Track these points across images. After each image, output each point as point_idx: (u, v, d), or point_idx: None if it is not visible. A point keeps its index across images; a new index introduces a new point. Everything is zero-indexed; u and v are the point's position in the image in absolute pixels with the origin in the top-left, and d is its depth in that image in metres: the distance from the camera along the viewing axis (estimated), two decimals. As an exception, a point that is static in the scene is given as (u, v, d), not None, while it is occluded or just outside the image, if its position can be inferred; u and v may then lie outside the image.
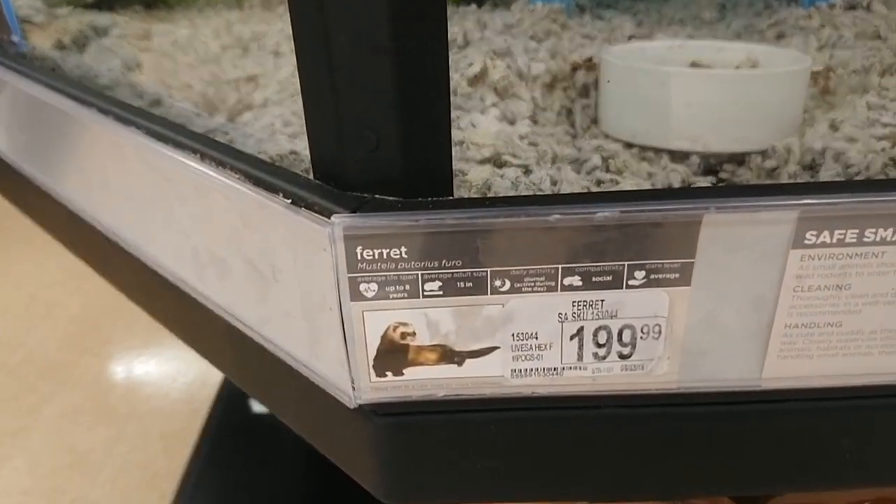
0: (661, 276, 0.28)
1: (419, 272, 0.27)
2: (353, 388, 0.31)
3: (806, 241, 0.27)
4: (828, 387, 0.31)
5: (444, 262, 0.27)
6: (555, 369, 0.30)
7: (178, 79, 0.66)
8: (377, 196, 0.29)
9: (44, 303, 2.03)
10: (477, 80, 0.58)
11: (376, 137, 0.28)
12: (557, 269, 0.27)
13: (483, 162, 0.48)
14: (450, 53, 0.70)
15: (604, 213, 0.26)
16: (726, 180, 0.53)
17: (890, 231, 0.26)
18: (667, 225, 0.27)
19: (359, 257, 0.27)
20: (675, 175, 0.52)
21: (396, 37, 0.26)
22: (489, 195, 0.41)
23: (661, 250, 0.27)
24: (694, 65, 0.65)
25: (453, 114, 0.55)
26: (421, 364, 0.30)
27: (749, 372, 0.30)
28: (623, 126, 0.57)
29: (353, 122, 0.28)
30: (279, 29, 0.78)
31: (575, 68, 0.68)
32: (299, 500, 1.17)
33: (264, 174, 0.31)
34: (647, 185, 0.49)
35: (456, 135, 0.52)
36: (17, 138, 0.55)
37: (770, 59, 0.62)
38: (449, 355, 0.29)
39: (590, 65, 0.68)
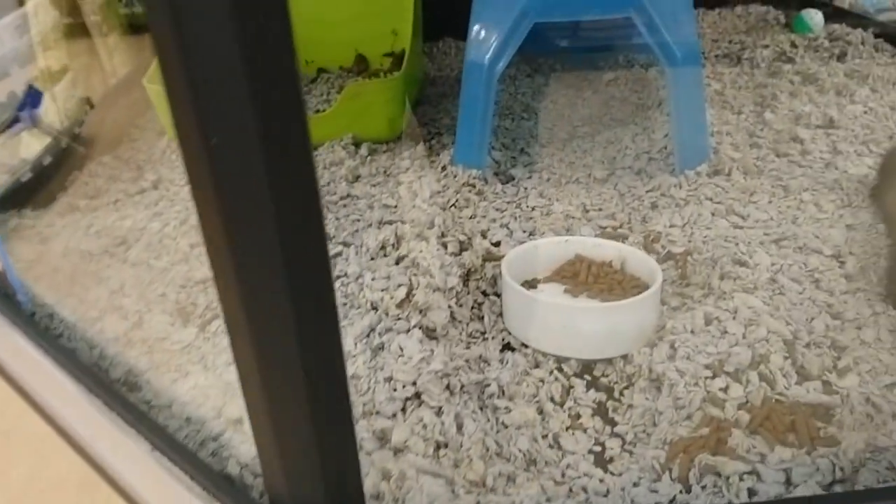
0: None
1: None
2: None
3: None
4: None
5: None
6: None
7: (155, 289, 0.76)
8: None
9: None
10: (404, 302, 0.69)
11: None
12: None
13: (407, 400, 0.60)
14: (386, 250, 0.80)
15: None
16: (598, 378, 0.65)
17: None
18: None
19: None
20: (557, 385, 0.64)
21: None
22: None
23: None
24: (578, 258, 0.78)
25: (384, 337, 0.67)
26: None
27: None
28: (519, 331, 0.70)
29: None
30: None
31: (485, 260, 0.80)
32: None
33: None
34: (533, 408, 0.61)
35: (388, 363, 0.63)
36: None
37: (634, 259, 0.75)
38: None
39: (497, 257, 0.80)
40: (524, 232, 0.85)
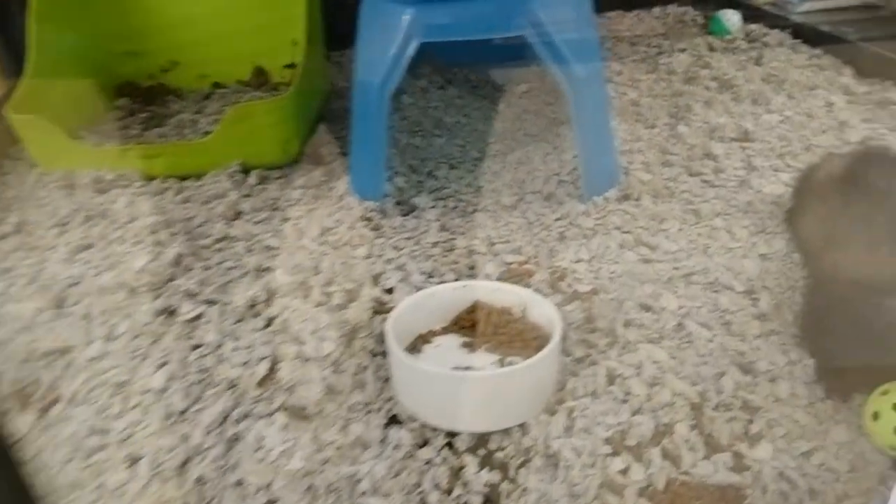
0: None
1: None
2: None
3: None
4: None
5: None
6: None
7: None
8: None
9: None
10: (266, 379, 0.60)
11: None
12: None
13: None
14: (256, 308, 0.70)
15: None
16: (493, 453, 0.57)
17: None
18: None
19: None
20: (444, 468, 0.56)
21: None
22: None
23: None
24: (477, 305, 0.69)
25: (241, 425, 0.57)
26: None
27: None
28: (406, 401, 0.61)
29: None
30: (93, 273, 0.76)
31: (376, 312, 0.71)
32: None
33: None
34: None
35: (242, 460, 0.53)
36: None
37: (536, 305, 0.67)
38: None
39: (388, 309, 0.71)
40: (422, 274, 0.77)
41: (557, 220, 0.84)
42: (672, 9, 1.59)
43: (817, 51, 1.28)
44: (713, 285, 0.70)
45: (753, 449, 0.53)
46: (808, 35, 1.34)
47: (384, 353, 0.65)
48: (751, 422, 0.55)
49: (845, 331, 0.59)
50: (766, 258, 0.74)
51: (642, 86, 1.22)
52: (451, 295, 0.70)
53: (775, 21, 1.43)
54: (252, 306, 0.68)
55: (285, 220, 0.86)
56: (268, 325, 0.66)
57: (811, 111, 1.05)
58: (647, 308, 0.66)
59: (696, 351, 0.62)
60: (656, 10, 1.60)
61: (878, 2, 1.53)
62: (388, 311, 0.69)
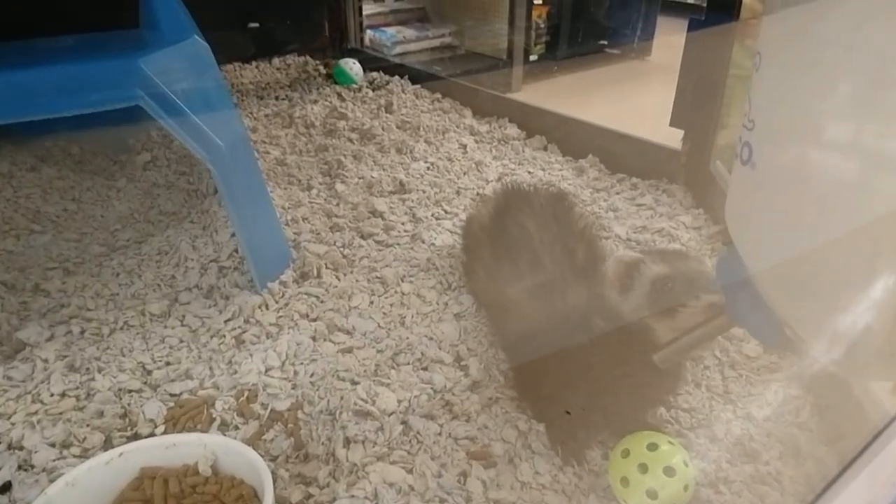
0: None
1: None
2: None
3: None
4: None
5: None
6: None
7: None
8: None
9: None
10: None
11: None
12: None
13: None
14: None
15: None
16: None
17: None
18: None
19: None
20: None
21: None
22: None
23: None
24: (145, 474, 0.50)
25: None
26: None
27: None
28: None
29: None
30: None
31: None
32: None
33: None
34: None
35: None
36: None
37: (228, 452, 0.51)
38: None
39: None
40: (52, 447, 0.53)
41: (229, 320, 0.68)
42: (292, 59, 1.53)
43: (437, 94, 1.34)
44: (422, 362, 0.63)
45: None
46: (423, 79, 1.40)
47: None
48: (510, 525, 0.48)
49: (547, 384, 0.55)
50: (460, 317, 0.70)
51: (283, 142, 1.12)
52: (104, 473, 0.49)
53: (392, 68, 1.47)
54: None
55: None
56: None
57: (450, 154, 1.08)
58: (365, 414, 0.56)
59: (430, 453, 0.53)
60: (276, 61, 1.53)
61: (453, 42, 1.71)
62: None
